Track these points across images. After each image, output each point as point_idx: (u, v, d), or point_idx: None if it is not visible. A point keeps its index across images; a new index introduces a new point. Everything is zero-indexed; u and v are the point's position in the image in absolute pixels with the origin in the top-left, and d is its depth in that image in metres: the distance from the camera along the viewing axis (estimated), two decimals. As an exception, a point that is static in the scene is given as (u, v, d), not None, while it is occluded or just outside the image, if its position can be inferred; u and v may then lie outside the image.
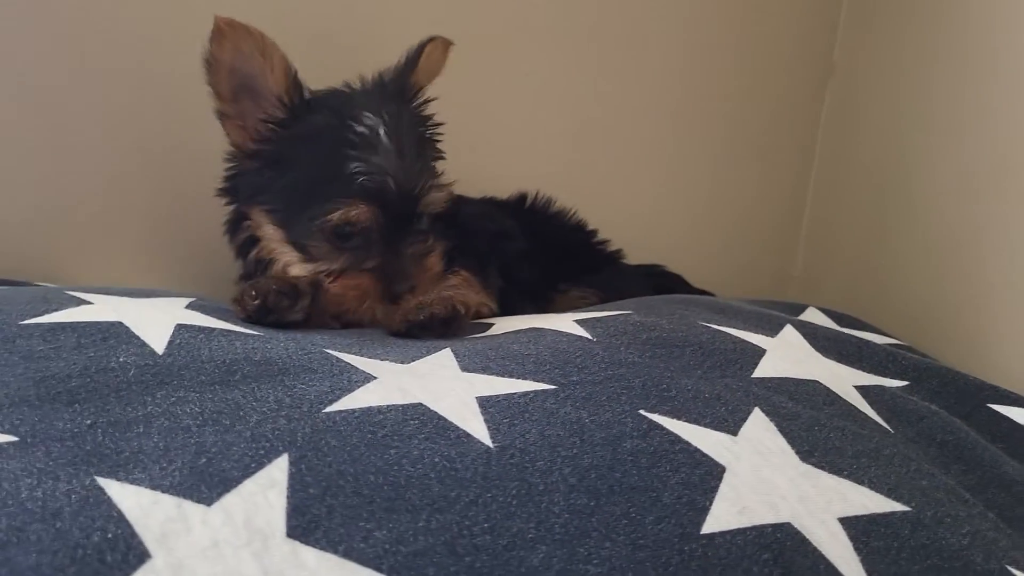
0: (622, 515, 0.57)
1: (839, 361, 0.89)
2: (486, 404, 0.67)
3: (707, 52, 1.47)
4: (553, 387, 0.71)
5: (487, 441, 0.62)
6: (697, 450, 0.65)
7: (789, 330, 0.94)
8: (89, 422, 0.58)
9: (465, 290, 0.97)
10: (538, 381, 0.72)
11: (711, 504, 0.60)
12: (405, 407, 0.65)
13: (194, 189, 1.05)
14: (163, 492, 0.52)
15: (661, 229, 1.49)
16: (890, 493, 0.66)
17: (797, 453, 0.67)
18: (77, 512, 0.49)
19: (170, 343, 0.71)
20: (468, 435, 0.62)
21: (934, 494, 0.68)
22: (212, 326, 0.77)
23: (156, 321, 0.75)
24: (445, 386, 0.70)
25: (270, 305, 0.83)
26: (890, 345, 1.03)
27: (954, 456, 0.77)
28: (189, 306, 0.83)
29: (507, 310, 1.02)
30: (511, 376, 0.73)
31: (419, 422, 0.63)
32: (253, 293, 0.83)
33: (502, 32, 1.36)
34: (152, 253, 1.18)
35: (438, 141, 1.02)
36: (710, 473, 0.62)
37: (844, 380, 0.84)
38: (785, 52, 1.50)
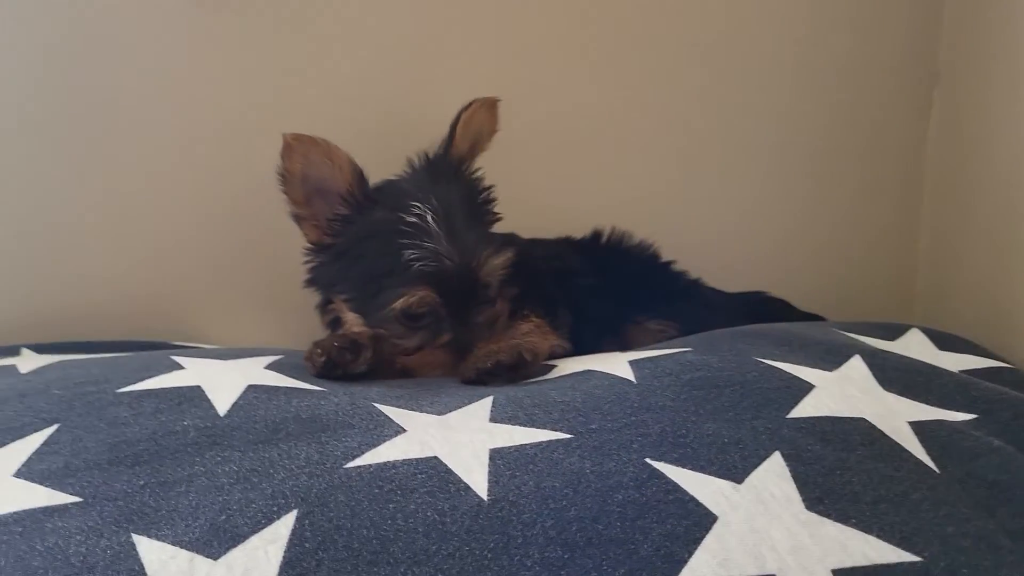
0: (593, 568, 0.60)
1: (901, 394, 0.86)
2: (496, 456, 0.72)
3: (806, 67, 1.43)
4: (569, 436, 0.75)
5: (483, 494, 0.67)
6: (692, 499, 0.66)
7: (855, 362, 0.91)
8: (142, 483, 0.68)
9: (535, 336, 1.01)
10: (556, 430, 0.76)
11: (691, 556, 0.61)
12: (419, 461, 0.71)
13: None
14: (181, 547, 0.61)
15: (764, 251, 1.46)
16: (902, 542, 0.64)
17: (803, 500, 0.67)
18: (108, 566, 0.59)
19: (234, 404, 0.81)
20: (467, 488, 0.67)
21: (957, 542, 0.65)
22: (280, 384, 0.87)
23: (231, 383, 0.85)
24: (467, 438, 0.75)
25: (335, 359, 0.91)
26: (975, 372, 0.97)
27: (1004, 498, 0.72)
28: (270, 365, 0.93)
29: (581, 346, 1.06)
30: (534, 426, 0.77)
31: (425, 476, 0.69)
32: (319, 351, 0.92)
33: (591, 58, 1.40)
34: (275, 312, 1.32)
35: (491, 205, 1.08)
36: (698, 524, 0.64)
37: (898, 416, 0.81)
38: (887, 62, 1.43)
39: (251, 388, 0.85)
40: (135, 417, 0.78)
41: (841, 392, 0.84)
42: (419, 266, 0.96)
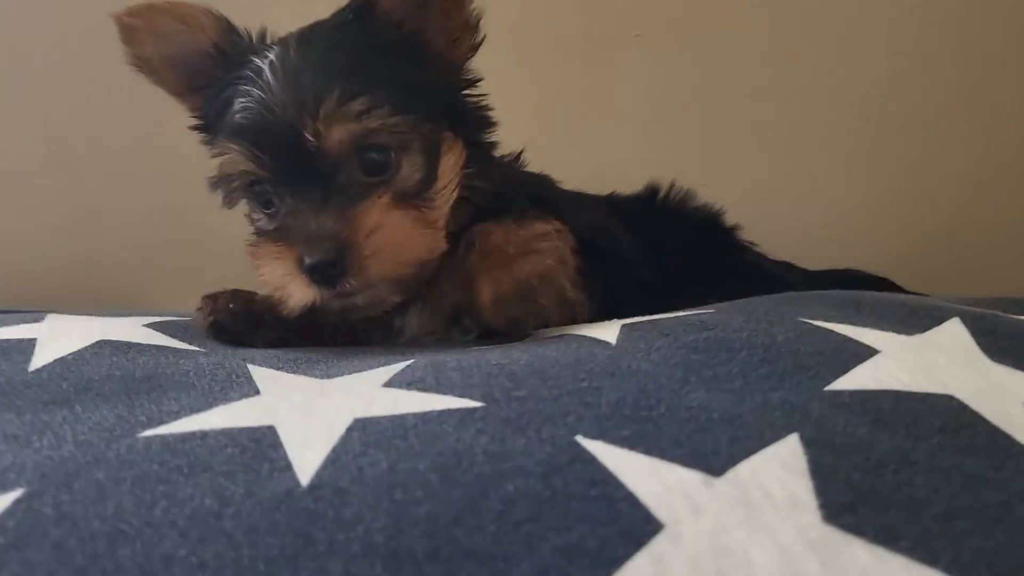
0: (420, 598, 0.35)
1: (1018, 367, 0.57)
2: (357, 427, 0.48)
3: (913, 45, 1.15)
4: (479, 404, 0.50)
5: (304, 477, 0.43)
6: (627, 496, 0.40)
7: (953, 325, 0.63)
8: None
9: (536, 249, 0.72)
10: (465, 397, 0.51)
11: (598, 586, 0.36)
12: (242, 431, 0.48)
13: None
14: None
15: (846, 219, 1.17)
16: (985, 584, 0.36)
17: (822, 507, 0.40)
18: None
19: (57, 359, 0.61)
20: (287, 468, 0.44)
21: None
22: (142, 342, 0.66)
23: (78, 337, 0.66)
24: (332, 405, 0.51)
25: (224, 324, 0.70)
26: None
27: None
28: (155, 324, 0.73)
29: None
30: (439, 392, 0.53)
31: (238, 450, 0.46)
32: (208, 310, 0.71)
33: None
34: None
35: (424, 59, 0.76)
36: (626, 535, 0.38)
37: (1009, 395, 0.52)
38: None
39: (100, 343, 0.65)
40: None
41: (921, 360, 0.56)
42: (238, 117, 0.71)
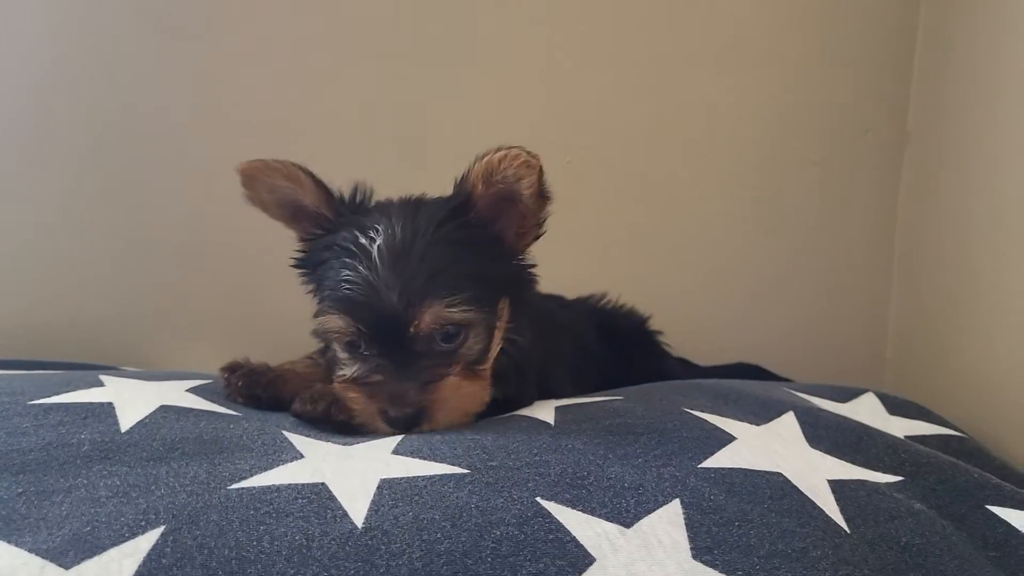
0: (451, 603, 0.58)
1: (828, 452, 0.83)
2: (385, 486, 0.70)
3: (779, 126, 1.43)
4: (465, 471, 0.73)
5: (359, 521, 0.64)
6: (572, 539, 0.63)
7: (788, 418, 0.89)
8: (20, 490, 0.67)
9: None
10: (455, 465, 0.74)
11: (557, 597, 0.59)
12: (305, 486, 0.69)
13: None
14: (36, 555, 0.59)
15: (735, 318, 1.44)
16: (790, 599, 0.61)
17: (692, 549, 0.64)
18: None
19: (139, 422, 0.80)
20: (345, 515, 0.65)
21: (851, 604, 0.62)
22: (195, 407, 0.86)
23: (145, 402, 0.85)
24: (362, 466, 0.73)
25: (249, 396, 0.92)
26: (922, 437, 0.94)
27: (914, 562, 0.68)
28: (193, 388, 0.92)
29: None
30: (435, 460, 0.75)
31: (306, 500, 0.67)
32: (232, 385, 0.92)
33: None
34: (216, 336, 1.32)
35: (503, 262, 0.95)
36: (573, 565, 0.61)
37: (818, 473, 0.78)
38: (858, 122, 1.42)
39: (163, 408, 0.84)
40: (36, 428, 0.77)
41: (763, 446, 0.81)
42: (345, 290, 0.87)
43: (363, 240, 0.89)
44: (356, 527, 0.64)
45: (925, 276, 1.36)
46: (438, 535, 0.63)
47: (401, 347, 0.87)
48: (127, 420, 0.80)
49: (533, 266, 0.99)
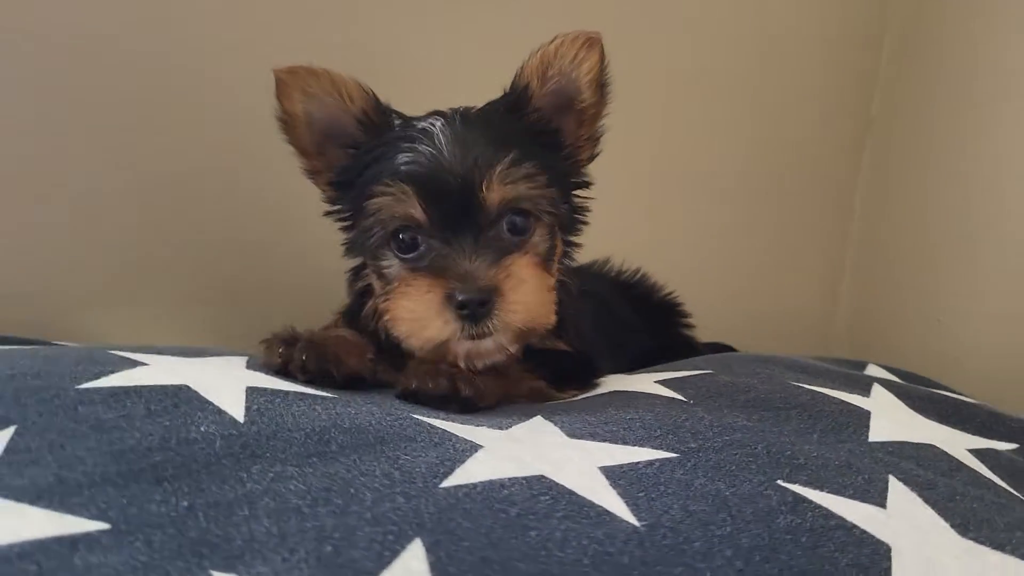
0: (803, 606, 0.50)
1: (941, 422, 0.84)
2: (612, 475, 0.60)
3: (744, 108, 1.44)
4: (675, 455, 0.65)
5: (631, 519, 0.55)
6: (855, 526, 0.58)
7: (880, 390, 0.89)
8: (186, 504, 0.50)
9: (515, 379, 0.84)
10: (656, 448, 0.66)
11: (890, 590, 0.53)
12: (528, 480, 0.58)
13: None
14: (299, 590, 0.44)
15: (697, 285, 1.44)
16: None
17: (952, 528, 0.61)
18: (200, 616, 0.41)
19: (248, 409, 0.63)
20: (608, 512, 0.55)
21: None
22: (284, 388, 0.70)
23: (223, 385, 0.67)
24: (559, 454, 0.63)
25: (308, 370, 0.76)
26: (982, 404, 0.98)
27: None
28: (248, 365, 0.75)
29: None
30: (624, 443, 0.66)
31: (549, 498, 0.56)
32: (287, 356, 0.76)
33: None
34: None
35: (560, 150, 0.86)
36: (877, 553, 0.56)
37: (957, 443, 0.79)
38: (823, 107, 1.48)
39: (254, 390, 0.67)
40: (126, 420, 0.59)
41: (896, 417, 0.81)
42: (406, 166, 0.77)
43: (423, 125, 0.80)
44: (636, 525, 0.54)
45: (879, 259, 1.44)
46: (728, 529, 0.55)
47: (467, 230, 0.77)
48: (232, 408, 0.63)
49: (590, 199, 0.90)
